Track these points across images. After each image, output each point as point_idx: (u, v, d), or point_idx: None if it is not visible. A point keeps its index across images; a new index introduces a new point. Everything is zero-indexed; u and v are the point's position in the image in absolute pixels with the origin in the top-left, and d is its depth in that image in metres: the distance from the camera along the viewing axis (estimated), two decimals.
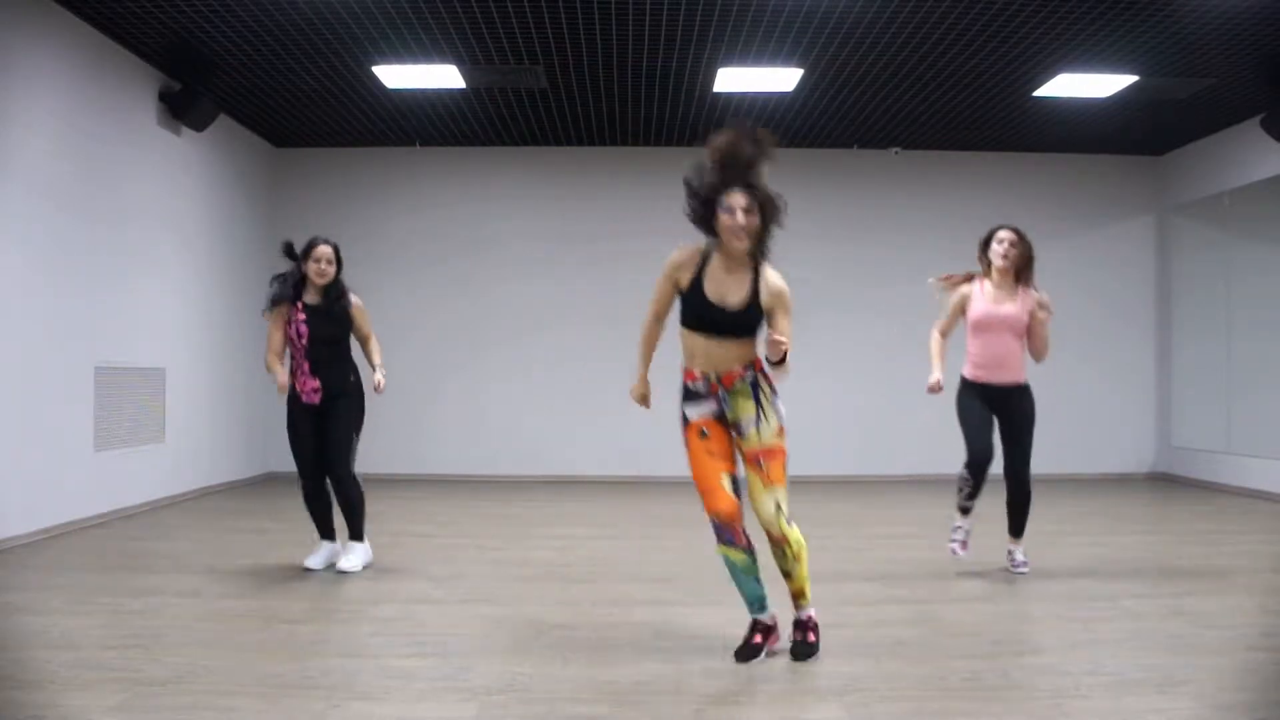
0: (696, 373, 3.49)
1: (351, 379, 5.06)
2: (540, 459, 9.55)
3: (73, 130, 6.32)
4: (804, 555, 3.51)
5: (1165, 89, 7.67)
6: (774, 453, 3.45)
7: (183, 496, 7.82)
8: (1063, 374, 9.70)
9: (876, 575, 5.00)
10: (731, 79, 7.52)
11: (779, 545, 3.47)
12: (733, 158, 3.34)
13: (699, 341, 3.46)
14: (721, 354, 3.44)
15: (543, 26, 6.44)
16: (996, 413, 4.94)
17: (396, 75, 7.43)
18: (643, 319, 3.66)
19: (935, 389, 4.93)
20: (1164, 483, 9.48)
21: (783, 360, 3.32)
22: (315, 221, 9.46)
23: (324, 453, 4.97)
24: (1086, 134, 9.09)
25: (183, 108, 7.43)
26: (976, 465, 4.89)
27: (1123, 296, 9.88)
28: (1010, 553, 5.11)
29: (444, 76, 7.43)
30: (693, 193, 3.41)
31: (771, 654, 3.54)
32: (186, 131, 7.78)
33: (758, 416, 3.45)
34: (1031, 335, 4.88)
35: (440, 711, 2.98)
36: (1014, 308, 4.86)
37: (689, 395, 3.53)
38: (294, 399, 4.99)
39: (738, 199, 3.33)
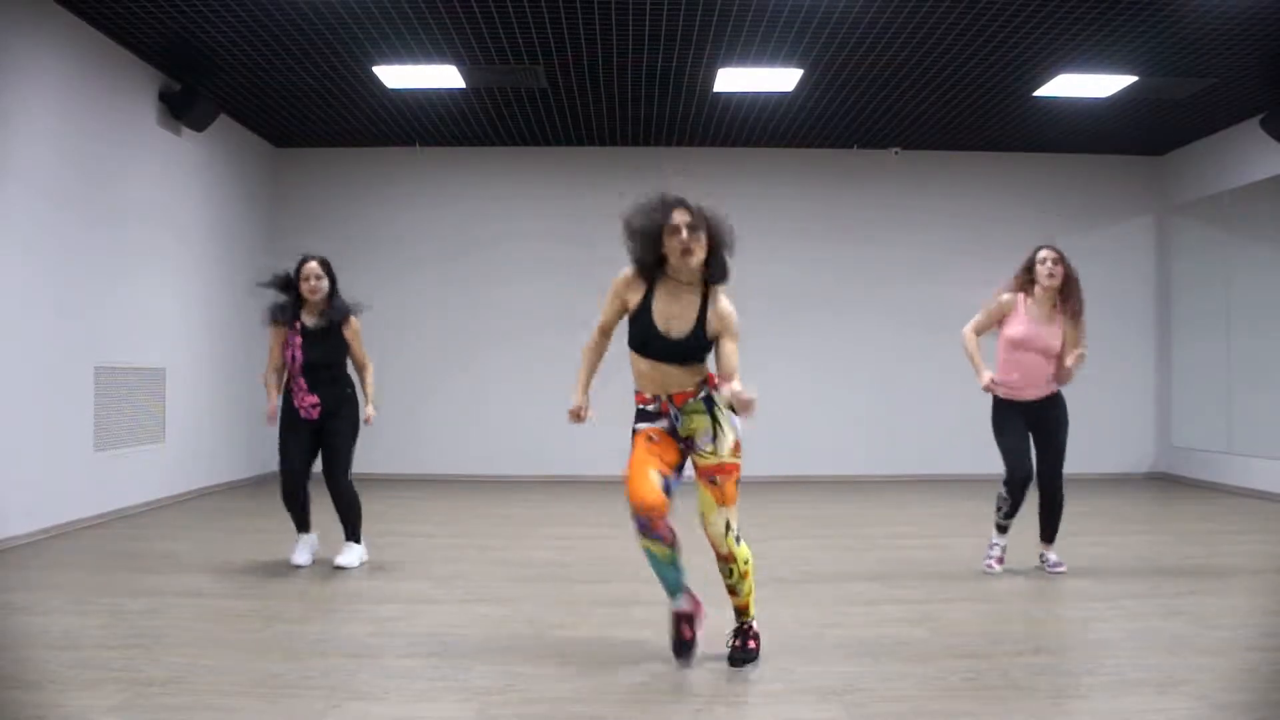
0: (647, 394, 3.46)
1: (348, 391, 5.17)
2: (540, 459, 9.55)
3: (73, 130, 6.32)
4: (750, 572, 3.48)
5: (1165, 89, 7.67)
6: (728, 470, 3.39)
7: (183, 496, 7.82)
8: None
9: (876, 575, 5.00)
10: (731, 79, 7.52)
11: (726, 562, 3.43)
12: (664, 201, 3.33)
13: (645, 365, 3.42)
14: (668, 379, 3.41)
15: (543, 26, 6.44)
16: (1030, 422, 4.95)
17: (396, 75, 7.43)
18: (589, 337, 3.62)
19: (991, 387, 4.88)
20: (1164, 483, 9.47)
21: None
22: (315, 222, 9.49)
23: (326, 464, 5.12)
24: (1086, 134, 9.09)
25: (183, 108, 7.44)
26: (1017, 485, 4.92)
27: (1123, 296, 9.87)
28: (1043, 556, 5.13)
29: (444, 76, 7.43)
30: (633, 232, 3.35)
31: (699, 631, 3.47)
32: (186, 131, 7.78)
33: (714, 432, 3.39)
34: (1059, 368, 4.88)
35: (440, 711, 2.98)
36: (1051, 331, 4.84)
37: (642, 416, 3.50)
38: (292, 409, 5.06)
39: (680, 215, 3.29)
